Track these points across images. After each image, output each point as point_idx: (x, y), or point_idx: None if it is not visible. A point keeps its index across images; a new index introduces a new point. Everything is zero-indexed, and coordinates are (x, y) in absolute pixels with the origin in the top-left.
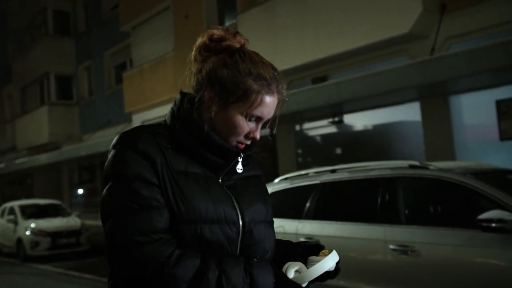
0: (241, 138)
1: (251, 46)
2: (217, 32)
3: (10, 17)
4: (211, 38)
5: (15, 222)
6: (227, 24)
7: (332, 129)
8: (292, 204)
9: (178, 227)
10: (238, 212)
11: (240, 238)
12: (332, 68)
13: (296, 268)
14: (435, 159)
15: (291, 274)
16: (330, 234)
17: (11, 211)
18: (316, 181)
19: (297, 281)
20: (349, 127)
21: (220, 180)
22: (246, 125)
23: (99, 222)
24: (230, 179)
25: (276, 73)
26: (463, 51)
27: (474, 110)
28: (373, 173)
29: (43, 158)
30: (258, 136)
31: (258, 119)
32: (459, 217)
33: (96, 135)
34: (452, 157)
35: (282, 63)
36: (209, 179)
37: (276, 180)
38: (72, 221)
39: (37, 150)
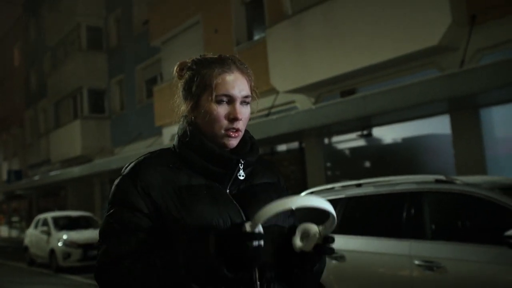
0: (224, 123)
1: (280, 60)
2: (182, 62)
3: (46, 34)
4: (179, 68)
5: (48, 234)
6: (256, 37)
7: (361, 143)
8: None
9: (187, 235)
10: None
11: None
12: (361, 81)
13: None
14: (466, 174)
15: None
16: (355, 248)
17: (45, 222)
18: (342, 195)
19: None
20: (378, 141)
21: (228, 190)
22: (219, 109)
23: None
24: (238, 188)
25: (228, 56)
26: (494, 62)
27: (506, 123)
28: (398, 188)
29: (76, 171)
30: (238, 115)
31: (229, 99)
32: (486, 233)
33: (127, 148)
34: (484, 171)
35: (310, 76)
36: (214, 189)
37: (302, 194)
38: None
39: (70, 163)
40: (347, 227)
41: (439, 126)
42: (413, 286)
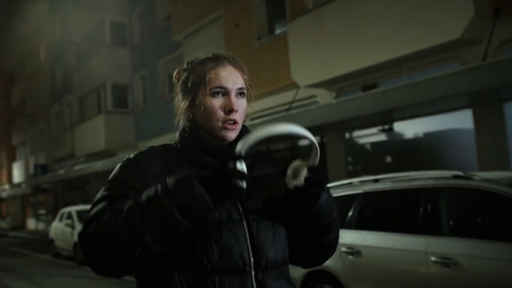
0: (221, 114)
1: (301, 54)
2: (179, 68)
3: (71, 31)
4: (177, 73)
5: (72, 227)
6: (277, 32)
7: (382, 137)
8: None
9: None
10: (242, 213)
11: (247, 233)
12: (382, 76)
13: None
14: (488, 169)
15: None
16: (372, 244)
17: (69, 215)
18: (359, 190)
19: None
20: (399, 135)
21: None
22: (214, 102)
23: None
24: None
25: (220, 52)
26: None
27: None
28: (415, 183)
29: (99, 165)
30: (234, 107)
31: (224, 92)
32: (504, 230)
33: (149, 143)
34: (507, 167)
35: (331, 70)
36: None
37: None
38: None
39: (94, 157)
40: (364, 222)
41: (461, 120)
42: (430, 283)
